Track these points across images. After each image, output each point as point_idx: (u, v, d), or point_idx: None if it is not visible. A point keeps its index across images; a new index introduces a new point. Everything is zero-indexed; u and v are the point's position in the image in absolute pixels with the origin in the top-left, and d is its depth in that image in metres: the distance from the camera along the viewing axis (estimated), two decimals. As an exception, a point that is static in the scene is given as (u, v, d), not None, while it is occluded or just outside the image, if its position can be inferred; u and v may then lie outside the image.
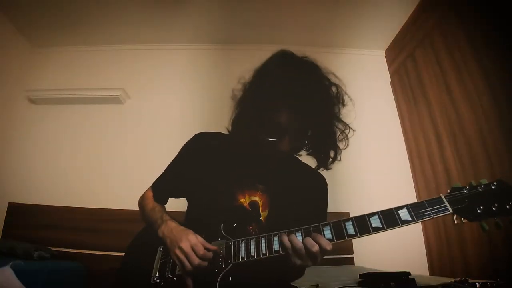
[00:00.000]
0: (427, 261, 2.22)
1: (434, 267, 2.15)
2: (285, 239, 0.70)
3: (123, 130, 2.62)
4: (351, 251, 2.25)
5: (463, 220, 0.65)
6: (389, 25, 2.61)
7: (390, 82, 2.80)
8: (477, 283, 0.93)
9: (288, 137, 0.81)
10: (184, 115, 2.63)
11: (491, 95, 1.68)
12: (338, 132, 0.87)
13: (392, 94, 2.76)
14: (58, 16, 2.52)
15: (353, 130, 0.89)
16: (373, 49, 2.90)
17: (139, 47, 2.89)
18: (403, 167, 2.50)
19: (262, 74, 0.86)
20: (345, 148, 0.90)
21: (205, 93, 2.68)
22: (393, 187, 2.40)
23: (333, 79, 0.86)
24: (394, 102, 2.72)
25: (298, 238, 0.69)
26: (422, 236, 2.30)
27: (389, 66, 2.85)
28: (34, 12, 2.47)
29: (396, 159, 2.54)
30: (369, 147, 2.56)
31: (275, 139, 0.81)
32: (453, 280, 1.04)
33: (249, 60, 0.89)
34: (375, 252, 2.21)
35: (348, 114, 0.89)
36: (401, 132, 2.61)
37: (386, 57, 2.90)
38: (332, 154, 0.88)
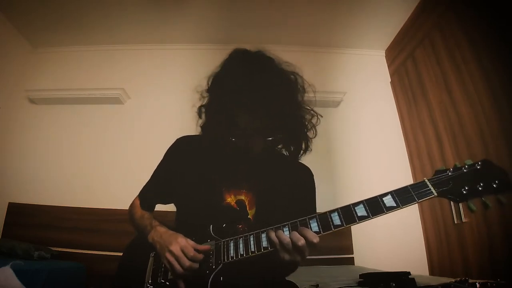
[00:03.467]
0: (427, 261, 2.22)
1: (434, 267, 2.15)
2: (272, 235, 0.70)
3: (123, 130, 2.62)
4: (351, 251, 2.25)
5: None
6: (389, 25, 2.61)
7: (390, 82, 2.80)
8: (477, 283, 0.92)
9: (258, 136, 0.80)
10: (184, 115, 2.62)
11: (491, 95, 1.68)
12: (306, 122, 0.85)
13: (392, 94, 2.76)
14: (58, 16, 2.53)
15: (320, 116, 0.87)
16: (373, 49, 2.90)
17: (139, 47, 2.90)
18: (403, 167, 2.50)
19: (217, 78, 0.85)
20: (314, 137, 0.88)
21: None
22: (393, 186, 2.38)
23: (288, 68, 0.84)
24: (394, 102, 2.72)
25: (285, 233, 0.69)
26: (422, 236, 2.30)
27: (389, 66, 2.85)
28: (34, 12, 2.47)
29: (396, 159, 2.53)
30: (369, 147, 2.56)
31: (243, 140, 0.80)
32: (453, 280, 1.04)
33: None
34: (375, 252, 2.21)
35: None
36: (401, 132, 2.61)
37: (386, 57, 2.90)
38: (303, 146, 0.87)
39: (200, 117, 0.91)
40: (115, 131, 2.62)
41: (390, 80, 2.81)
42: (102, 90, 2.61)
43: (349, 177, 2.45)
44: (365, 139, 2.58)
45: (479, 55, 1.76)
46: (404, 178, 2.46)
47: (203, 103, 0.90)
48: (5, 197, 2.37)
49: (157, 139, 2.54)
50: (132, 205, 1.05)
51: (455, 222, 1.91)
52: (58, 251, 2.08)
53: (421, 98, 2.33)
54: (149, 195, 1.03)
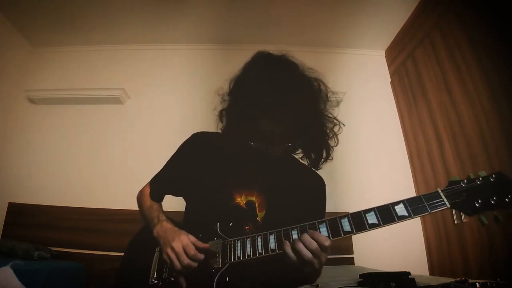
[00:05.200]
0: (427, 261, 2.22)
1: (434, 267, 2.15)
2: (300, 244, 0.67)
3: (123, 130, 2.62)
4: (351, 251, 2.24)
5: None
6: (389, 25, 2.61)
7: (390, 82, 2.80)
8: (477, 283, 0.92)
9: (278, 142, 0.80)
10: (183, 115, 2.63)
11: (491, 95, 1.68)
12: (327, 130, 0.85)
13: (392, 94, 2.76)
14: (58, 16, 2.52)
15: (343, 125, 0.87)
16: (373, 49, 2.90)
17: (139, 47, 2.89)
18: (403, 167, 2.50)
19: (240, 83, 0.85)
20: (336, 146, 0.88)
21: (204, 93, 2.67)
22: (393, 187, 2.40)
23: (312, 74, 0.83)
24: (394, 102, 2.72)
25: (294, 237, 0.69)
26: (422, 236, 2.30)
27: (389, 66, 2.85)
28: (34, 12, 2.46)
29: (396, 159, 2.53)
30: (369, 147, 2.56)
31: (264, 146, 0.80)
32: (453, 280, 1.04)
33: (248, 61, 0.88)
34: (375, 252, 2.21)
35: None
36: (401, 132, 2.61)
37: (386, 57, 2.90)
38: (324, 154, 0.87)
39: (221, 121, 0.90)
40: (115, 131, 2.62)
41: (390, 80, 2.81)
42: (102, 90, 2.61)
43: (349, 177, 2.45)
44: (365, 139, 2.58)
45: (479, 55, 1.76)
46: (404, 178, 2.46)
47: (224, 107, 0.89)
48: (5, 197, 2.36)
49: (157, 139, 2.56)
50: (141, 193, 1.05)
51: (455, 222, 1.91)
52: (58, 251, 2.08)
53: (421, 98, 2.33)
54: (160, 184, 1.03)
